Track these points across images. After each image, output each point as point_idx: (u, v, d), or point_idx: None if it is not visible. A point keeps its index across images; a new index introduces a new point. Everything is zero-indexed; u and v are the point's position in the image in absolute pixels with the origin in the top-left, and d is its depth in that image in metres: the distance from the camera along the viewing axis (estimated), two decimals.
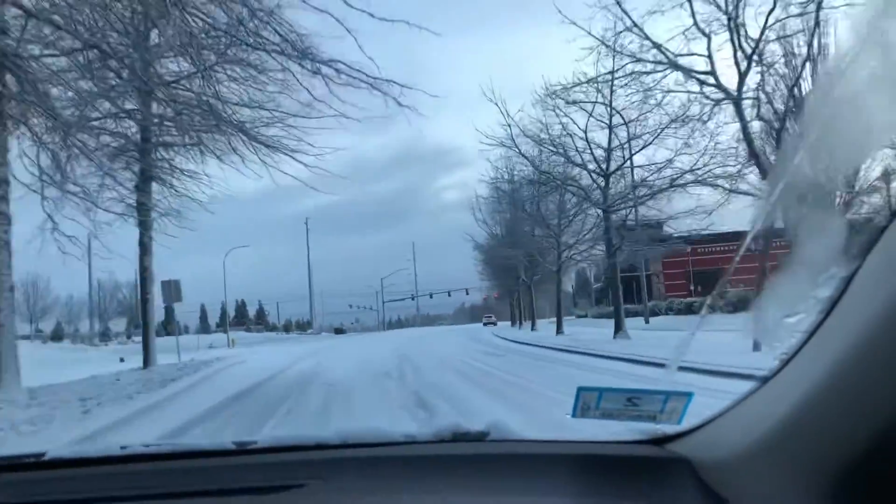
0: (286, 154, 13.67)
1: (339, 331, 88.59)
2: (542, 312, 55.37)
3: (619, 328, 22.66)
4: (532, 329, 40.84)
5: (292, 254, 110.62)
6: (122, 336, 60.11)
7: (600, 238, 26.44)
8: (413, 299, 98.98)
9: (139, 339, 20.16)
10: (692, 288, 50.77)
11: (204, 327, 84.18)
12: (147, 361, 16.91)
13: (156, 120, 13.78)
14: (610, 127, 22.61)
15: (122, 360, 24.07)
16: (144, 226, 15.98)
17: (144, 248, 16.67)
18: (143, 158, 14.30)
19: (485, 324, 69.59)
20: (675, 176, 20.80)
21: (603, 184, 23.41)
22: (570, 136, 23.21)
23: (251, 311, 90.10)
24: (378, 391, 11.46)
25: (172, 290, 20.91)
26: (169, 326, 74.41)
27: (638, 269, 42.87)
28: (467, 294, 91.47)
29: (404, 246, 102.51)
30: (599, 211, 24.44)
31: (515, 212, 35.59)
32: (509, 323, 59.97)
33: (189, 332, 71.10)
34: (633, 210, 24.72)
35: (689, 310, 40.14)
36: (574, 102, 21.59)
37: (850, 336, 0.82)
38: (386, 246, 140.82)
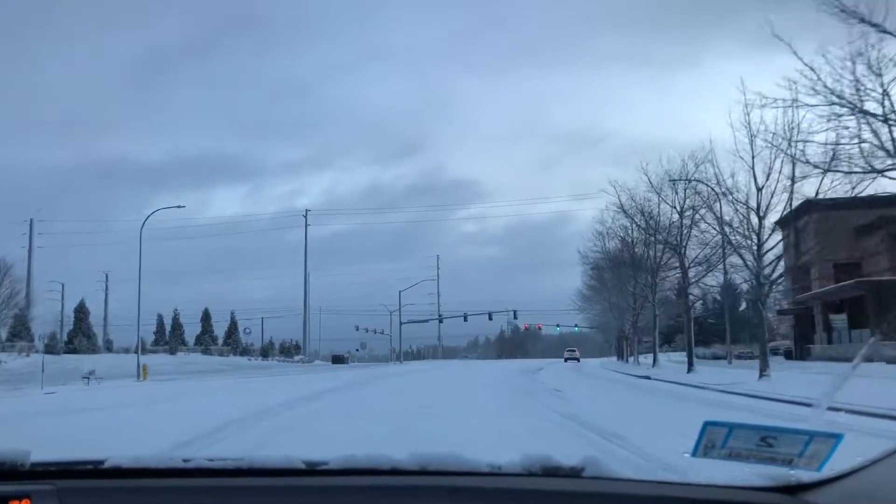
0: None
1: (338, 359, 65.11)
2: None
3: None
4: (690, 369, 28.67)
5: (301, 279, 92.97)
6: None
7: None
8: (440, 321, 75.05)
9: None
10: None
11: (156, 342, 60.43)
12: None
13: None
14: None
15: None
16: None
17: None
18: None
19: (566, 359, 60.48)
20: None
21: None
22: None
23: (220, 328, 66.42)
24: None
25: None
26: (76, 340, 51.08)
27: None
28: (515, 318, 67.82)
29: (420, 274, 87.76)
30: None
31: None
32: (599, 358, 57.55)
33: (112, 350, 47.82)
34: None
35: None
36: None
37: None
38: (401, 273, 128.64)
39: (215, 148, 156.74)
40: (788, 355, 35.64)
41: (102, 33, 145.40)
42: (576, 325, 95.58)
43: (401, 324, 70.31)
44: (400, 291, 70.04)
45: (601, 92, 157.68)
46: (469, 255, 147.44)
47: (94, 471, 1.41)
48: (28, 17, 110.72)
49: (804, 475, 1.16)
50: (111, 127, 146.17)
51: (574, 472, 1.31)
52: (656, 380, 24.44)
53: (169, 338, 55.57)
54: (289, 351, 64.38)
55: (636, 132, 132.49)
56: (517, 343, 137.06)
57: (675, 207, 31.13)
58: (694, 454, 1.20)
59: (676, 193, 30.81)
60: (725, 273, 30.30)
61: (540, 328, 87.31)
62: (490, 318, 67.75)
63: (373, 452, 1.38)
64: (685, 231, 30.99)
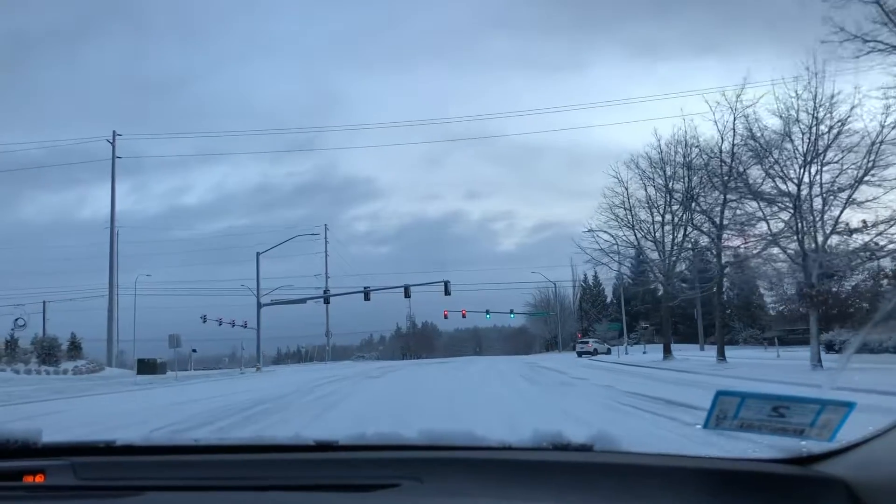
0: None
1: (148, 368, 38.21)
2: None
3: None
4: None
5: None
6: None
7: None
8: (326, 301, 48.92)
9: None
10: None
11: None
12: None
13: None
14: None
15: None
16: None
17: None
18: None
19: (579, 353, 46.19)
20: None
21: None
22: None
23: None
24: None
25: None
26: None
27: None
28: (448, 293, 43.15)
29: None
30: None
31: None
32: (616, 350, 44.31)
33: None
34: None
35: None
36: None
37: None
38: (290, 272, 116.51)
39: (92, 141, 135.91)
40: None
41: None
42: (511, 312, 73.17)
43: (259, 306, 43.49)
44: (258, 254, 43.73)
45: (492, 92, 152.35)
46: (363, 252, 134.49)
47: (106, 448, 1.38)
48: None
49: (815, 446, 1.13)
50: None
51: (584, 448, 1.27)
52: None
53: None
54: (54, 353, 36.57)
55: (523, 131, 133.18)
56: (420, 339, 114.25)
57: None
58: (706, 426, 1.14)
59: None
60: None
61: (464, 315, 63.85)
62: (407, 295, 43.31)
63: (383, 431, 1.36)
64: None
